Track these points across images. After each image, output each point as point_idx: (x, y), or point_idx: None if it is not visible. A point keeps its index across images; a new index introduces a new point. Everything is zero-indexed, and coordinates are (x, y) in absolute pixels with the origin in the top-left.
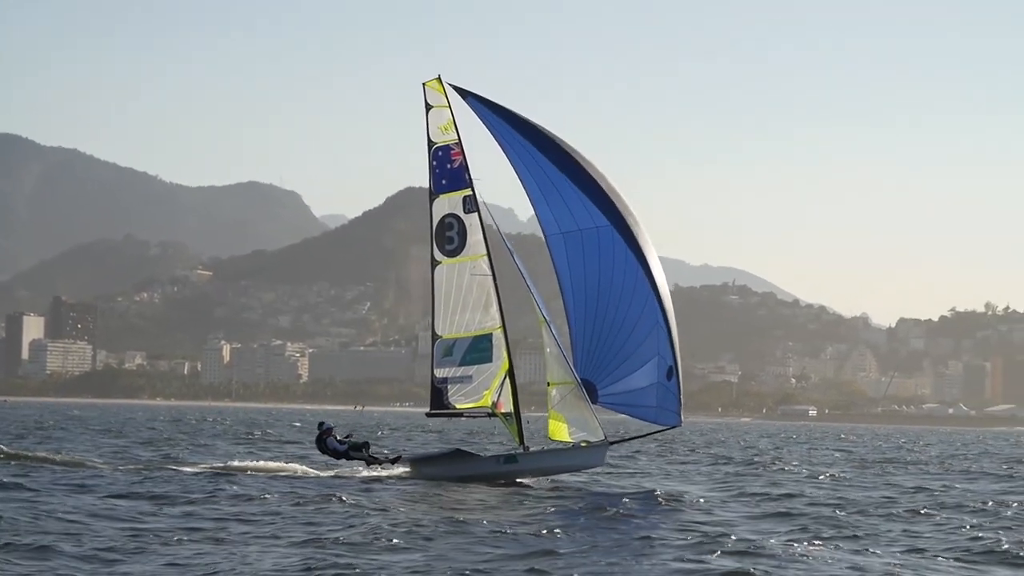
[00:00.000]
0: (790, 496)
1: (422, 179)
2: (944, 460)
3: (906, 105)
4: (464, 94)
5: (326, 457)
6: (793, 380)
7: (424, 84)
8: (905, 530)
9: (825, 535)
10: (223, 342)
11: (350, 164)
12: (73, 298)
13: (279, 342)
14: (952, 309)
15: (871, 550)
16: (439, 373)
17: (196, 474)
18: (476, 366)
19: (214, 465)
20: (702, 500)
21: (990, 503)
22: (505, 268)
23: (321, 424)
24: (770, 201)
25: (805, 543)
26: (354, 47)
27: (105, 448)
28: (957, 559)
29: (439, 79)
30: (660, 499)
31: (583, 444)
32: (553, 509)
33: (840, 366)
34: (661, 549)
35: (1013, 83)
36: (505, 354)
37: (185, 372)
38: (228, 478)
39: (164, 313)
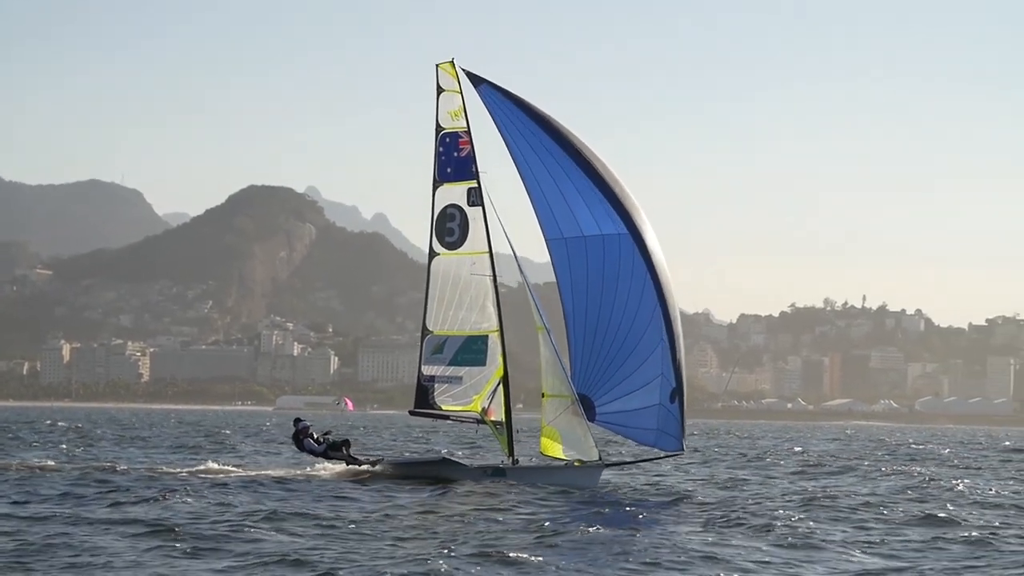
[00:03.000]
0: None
1: (265, 177)
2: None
3: (759, 101)
4: (477, 81)
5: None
6: None
7: (437, 66)
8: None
9: None
10: (63, 341)
11: (192, 162)
12: None
13: (120, 341)
14: (792, 305)
15: None
16: (426, 371)
17: None
18: (467, 368)
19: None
20: None
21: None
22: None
23: (297, 421)
24: None
25: None
26: (198, 43)
27: None
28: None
29: (452, 63)
30: None
31: (576, 463)
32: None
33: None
34: None
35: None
36: (500, 359)
37: (24, 372)
38: None
39: (3, 313)
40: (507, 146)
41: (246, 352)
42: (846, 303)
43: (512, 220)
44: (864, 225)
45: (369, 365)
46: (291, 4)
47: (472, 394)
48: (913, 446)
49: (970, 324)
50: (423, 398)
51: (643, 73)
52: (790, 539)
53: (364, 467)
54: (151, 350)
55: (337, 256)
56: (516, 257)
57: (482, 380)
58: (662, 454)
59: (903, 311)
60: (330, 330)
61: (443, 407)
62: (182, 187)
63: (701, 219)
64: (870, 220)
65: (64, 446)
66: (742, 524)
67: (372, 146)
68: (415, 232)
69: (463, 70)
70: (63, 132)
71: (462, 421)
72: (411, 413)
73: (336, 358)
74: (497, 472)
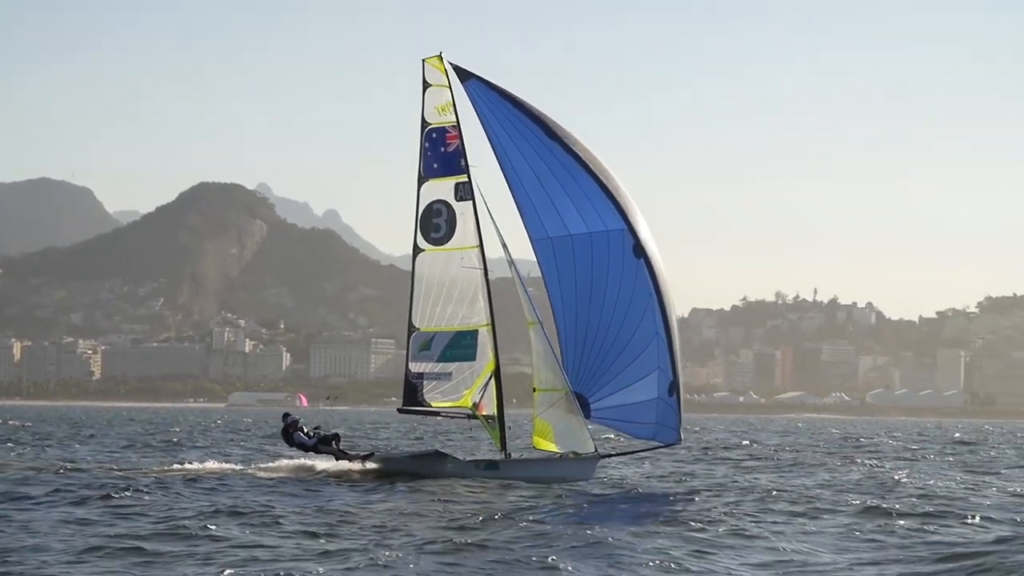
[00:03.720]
0: None
1: (215, 174)
2: None
3: (707, 91)
4: (465, 76)
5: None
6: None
7: (424, 61)
8: None
9: None
10: (13, 340)
11: (143, 159)
12: None
13: (71, 339)
14: (743, 299)
15: None
16: (414, 368)
17: None
18: (456, 363)
19: None
20: None
21: None
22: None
23: (286, 416)
24: None
25: None
26: (149, 41)
27: None
28: None
29: (440, 57)
30: None
31: (571, 455)
32: None
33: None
34: None
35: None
36: (491, 353)
37: None
38: None
39: None
40: (492, 146)
41: (198, 349)
42: (797, 296)
43: (504, 214)
44: (815, 219)
45: (321, 361)
46: (240, 1)
47: (462, 389)
48: (862, 439)
49: (920, 317)
50: (412, 395)
51: (590, 61)
52: (731, 531)
53: (355, 460)
54: (102, 348)
55: (288, 253)
56: (506, 248)
57: (472, 375)
58: (658, 445)
59: (854, 304)
60: (282, 327)
61: (432, 404)
62: (133, 185)
63: (651, 212)
64: (821, 214)
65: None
66: (683, 518)
67: (323, 143)
68: (366, 228)
69: (451, 64)
70: (12, 130)
71: (452, 417)
72: (400, 411)
73: (288, 354)
74: (490, 465)
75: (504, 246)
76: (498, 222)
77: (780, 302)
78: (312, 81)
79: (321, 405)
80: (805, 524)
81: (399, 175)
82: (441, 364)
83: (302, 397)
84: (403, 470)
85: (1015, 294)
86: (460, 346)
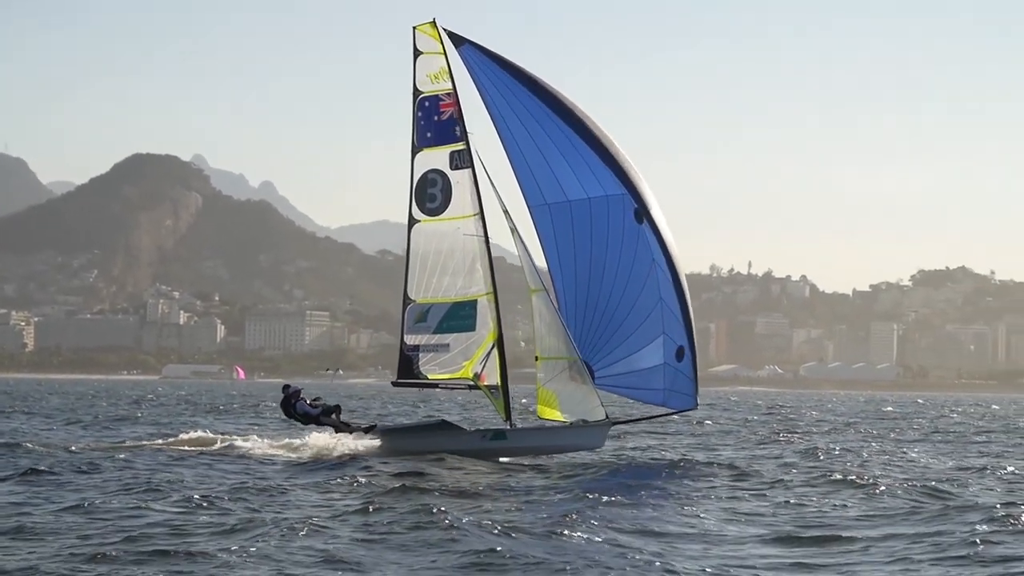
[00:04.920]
0: None
1: (150, 145)
2: None
3: (640, 66)
4: (459, 41)
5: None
6: (523, 343)
7: (415, 28)
8: None
9: None
10: None
11: (77, 130)
12: None
13: (4, 311)
14: None
15: None
16: (410, 340)
17: None
18: (454, 334)
19: None
20: None
21: None
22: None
23: (287, 387)
24: None
25: None
26: (82, 11)
27: None
28: None
29: (433, 23)
30: None
31: (581, 423)
32: None
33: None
34: None
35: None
36: (492, 323)
37: None
38: None
39: None
40: (488, 110)
41: (132, 321)
42: (732, 269)
43: (503, 183)
44: (749, 191)
45: (256, 333)
46: None
47: (461, 360)
48: (789, 411)
49: (854, 290)
50: (407, 368)
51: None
52: (649, 503)
53: (356, 431)
54: (36, 319)
55: (223, 224)
56: (508, 215)
57: (472, 345)
58: (671, 411)
59: (788, 277)
60: (216, 299)
61: (429, 376)
62: (67, 156)
63: None
64: (755, 186)
65: None
66: (607, 493)
67: (259, 114)
68: (302, 200)
69: (444, 30)
70: None
71: (452, 388)
72: (394, 384)
73: (223, 327)
74: (498, 435)
75: (506, 212)
76: (499, 191)
77: (715, 275)
78: (247, 52)
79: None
80: (738, 500)
81: (335, 146)
82: (438, 335)
83: (239, 370)
84: (406, 443)
85: (948, 267)
86: (458, 317)
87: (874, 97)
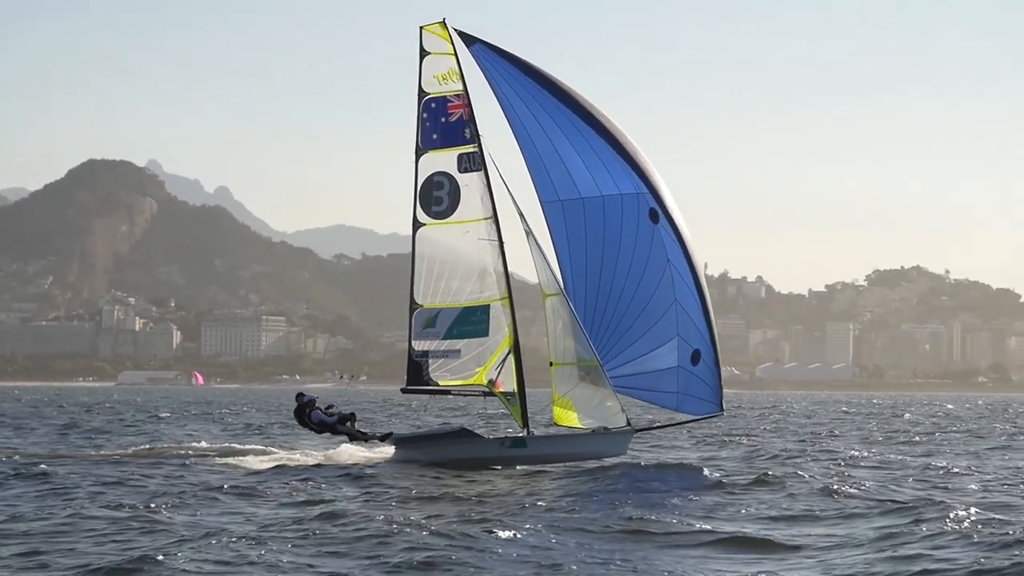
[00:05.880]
0: None
1: (104, 151)
2: None
3: (602, 66)
4: (470, 41)
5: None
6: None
7: (422, 28)
8: None
9: None
10: None
11: (31, 136)
12: None
13: None
14: None
15: None
16: (418, 346)
17: None
18: (465, 340)
19: None
20: None
21: None
22: None
23: (300, 395)
24: None
25: None
26: (35, 15)
27: None
28: None
29: (443, 23)
30: None
31: (603, 430)
32: None
33: (527, 331)
34: None
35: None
36: (508, 329)
37: None
38: None
39: None
40: (501, 107)
41: (87, 328)
42: None
43: (517, 184)
44: (705, 193)
45: (212, 339)
46: None
47: (474, 366)
48: (746, 411)
49: (810, 290)
50: (416, 374)
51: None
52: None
53: (372, 440)
54: None
55: (179, 230)
56: (523, 218)
57: (486, 351)
58: (695, 417)
59: (744, 278)
60: (172, 304)
61: (440, 382)
62: (20, 162)
63: None
64: (712, 188)
65: None
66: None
67: (214, 119)
68: (257, 205)
69: (455, 30)
70: None
71: (465, 395)
72: (403, 391)
73: (179, 332)
74: (517, 443)
75: (520, 215)
76: (512, 193)
77: None
78: (202, 56)
79: (212, 384)
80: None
81: (291, 151)
82: (448, 341)
83: (198, 376)
84: (424, 451)
85: (903, 267)
86: (469, 322)
87: (828, 97)
